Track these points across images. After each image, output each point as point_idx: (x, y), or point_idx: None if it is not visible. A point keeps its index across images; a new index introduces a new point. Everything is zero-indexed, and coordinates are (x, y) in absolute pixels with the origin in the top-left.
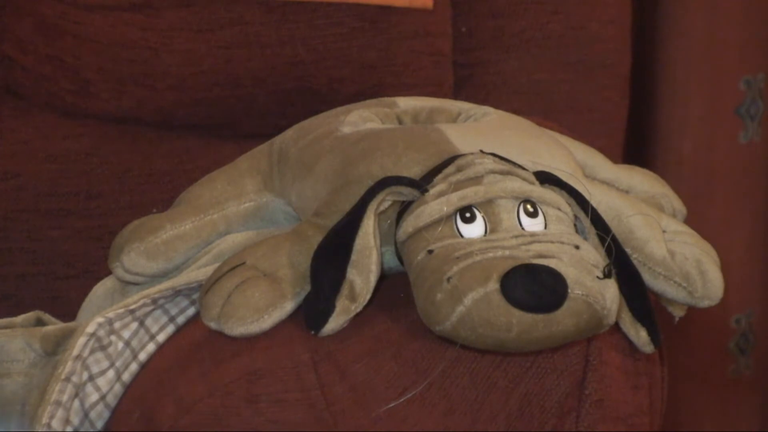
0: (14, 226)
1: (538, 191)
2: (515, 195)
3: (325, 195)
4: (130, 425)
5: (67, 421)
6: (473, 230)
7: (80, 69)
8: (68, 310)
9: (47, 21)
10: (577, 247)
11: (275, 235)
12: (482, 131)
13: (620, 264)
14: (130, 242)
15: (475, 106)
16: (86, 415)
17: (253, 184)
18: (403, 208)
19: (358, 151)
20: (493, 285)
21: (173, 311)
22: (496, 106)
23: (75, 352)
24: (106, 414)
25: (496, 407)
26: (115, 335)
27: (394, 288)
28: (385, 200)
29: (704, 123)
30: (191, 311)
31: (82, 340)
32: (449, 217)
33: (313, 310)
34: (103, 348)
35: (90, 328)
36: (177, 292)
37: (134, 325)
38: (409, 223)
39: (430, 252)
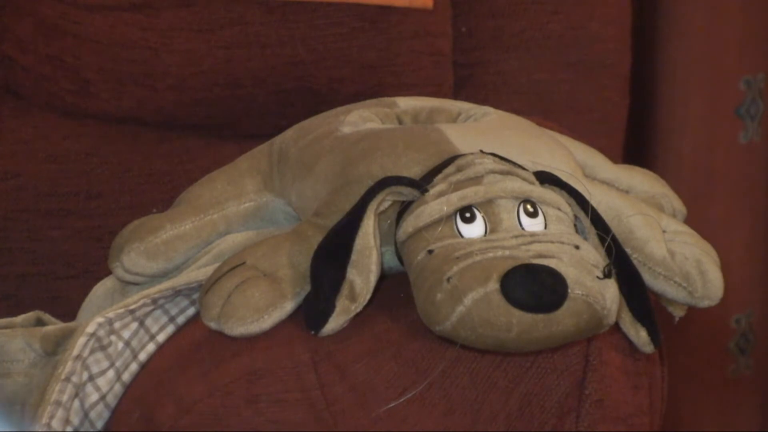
0: (14, 226)
1: (538, 191)
2: (515, 195)
3: (325, 195)
4: (130, 425)
5: (67, 421)
6: (473, 230)
7: (80, 69)
8: (68, 310)
9: (47, 21)
10: (577, 247)
11: (275, 235)
12: (482, 131)
13: (620, 264)
14: (130, 242)
15: (475, 106)
16: (86, 415)
17: (253, 184)
18: (403, 208)
19: (358, 151)
20: (493, 285)
21: (173, 311)
22: (496, 106)
23: (75, 352)
24: (106, 414)
25: (496, 407)
26: (115, 335)
27: (394, 288)
28: (385, 200)
29: (704, 123)
30: (191, 311)
31: (82, 340)
32: (449, 217)
33: (313, 310)
34: (103, 348)
35: (90, 328)
36: (177, 292)
37: (134, 325)
38: (409, 223)
39: (430, 252)
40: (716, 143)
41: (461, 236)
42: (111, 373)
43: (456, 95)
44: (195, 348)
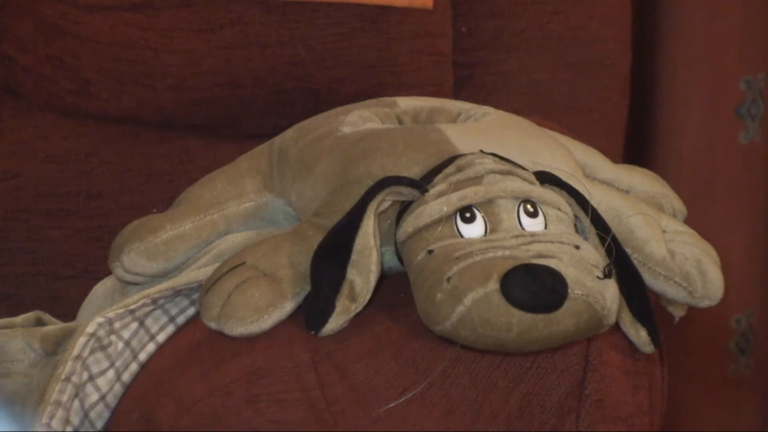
0: (14, 226)
1: (538, 191)
2: (515, 195)
3: (325, 195)
4: (130, 425)
5: (67, 421)
6: (473, 230)
7: (80, 69)
8: (68, 310)
9: (47, 21)
10: (577, 247)
11: (275, 235)
12: (482, 131)
13: (620, 264)
14: (130, 242)
15: (475, 106)
16: (86, 415)
17: (253, 184)
18: (403, 208)
19: (358, 151)
20: (493, 285)
21: (173, 311)
22: (496, 106)
23: (75, 352)
24: (106, 414)
25: (496, 407)
26: (115, 335)
27: (394, 288)
28: (385, 200)
29: (704, 123)
30: (191, 311)
31: (82, 340)
32: (449, 217)
33: (313, 310)
34: (103, 348)
35: (90, 328)
36: (177, 292)
37: (134, 325)
38: (409, 223)
39: (430, 252)
40: (716, 143)
41: (461, 236)
42: (111, 373)
43: (456, 95)
44: (195, 348)
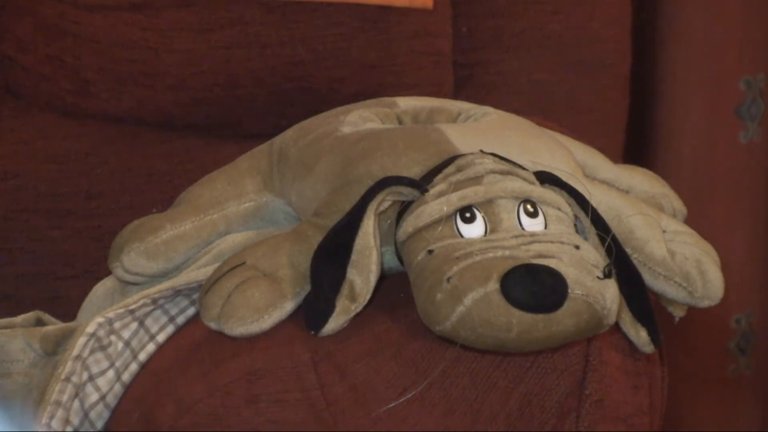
0: (14, 226)
1: (538, 191)
2: (515, 195)
3: (325, 195)
4: (130, 425)
5: (67, 421)
6: (473, 230)
7: (80, 69)
8: (68, 310)
9: (47, 21)
10: (577, 247)
11: (275, 235)
12: (482, 131)
13: (620, 264)
14: (130, 242)
15: (475, 106)
16: (86, 415)
17: (253, 184)
18: (403, 208)
19: (358, 151)
20: (493, 285)
21: (173, 311)
22: (496, 106)
23: (75, 352)
24: (106, 414)
25: (496, 407)
26: (115, 335)
27: (394, 288)
28: (385, 200)
29: (704, 123)
30: (191, 311)
31: (82, 340)
32: (449, 217)
33: (313, 310)
34: (103, 348)
35: (90, 328)
36: (177, 292)
37: (134, 325)
38: (409, 223)
39: (430, 252)
40: (716, 143)
41: (461, 236)
42: (111, 373)
43: (456, 95)
44: (195, 348)
